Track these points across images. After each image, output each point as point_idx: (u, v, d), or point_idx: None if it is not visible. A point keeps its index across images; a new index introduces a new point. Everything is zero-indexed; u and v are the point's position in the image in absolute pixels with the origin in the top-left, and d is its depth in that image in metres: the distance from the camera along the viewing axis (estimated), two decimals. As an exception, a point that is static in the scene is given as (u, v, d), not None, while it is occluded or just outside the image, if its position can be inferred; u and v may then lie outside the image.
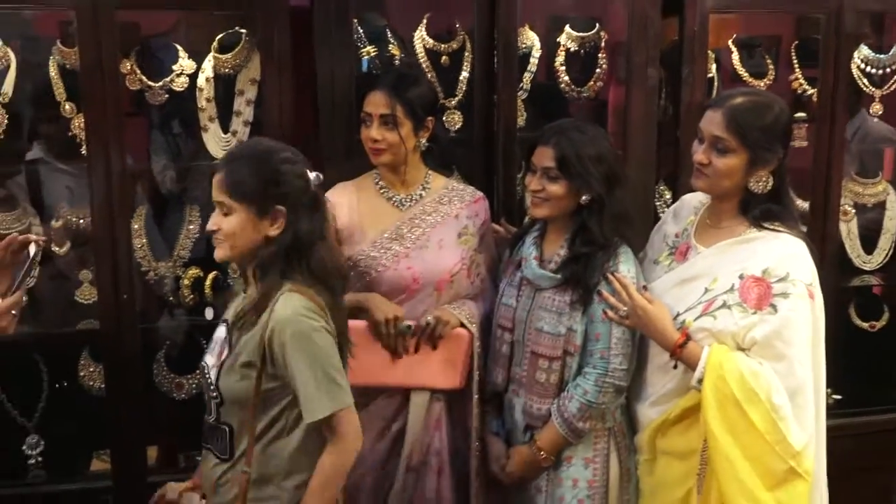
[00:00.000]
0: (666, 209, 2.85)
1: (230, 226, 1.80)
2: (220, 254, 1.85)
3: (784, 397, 1.93)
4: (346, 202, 2.29)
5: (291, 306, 1.76)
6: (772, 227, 2.03)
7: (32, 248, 1.82)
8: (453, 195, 2.35)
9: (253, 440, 1.79)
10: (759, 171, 2.02)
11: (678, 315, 2.05)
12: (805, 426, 1.97)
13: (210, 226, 1.83)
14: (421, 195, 2.32)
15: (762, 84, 2.93)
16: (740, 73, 2.94)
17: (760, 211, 2.03)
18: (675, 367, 2.06)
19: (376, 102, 2.21)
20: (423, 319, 2.23)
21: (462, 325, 2.26)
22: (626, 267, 2.12)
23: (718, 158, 2.01)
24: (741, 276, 1.99)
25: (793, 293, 1.95)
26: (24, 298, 1.80)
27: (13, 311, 1.75)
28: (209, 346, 1.94)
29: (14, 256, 1.82)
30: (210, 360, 1.89)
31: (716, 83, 2.90)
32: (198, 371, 2.01)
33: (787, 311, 1.94)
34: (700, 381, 1.97)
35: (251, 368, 1.78)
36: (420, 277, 2.26)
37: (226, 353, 1.85)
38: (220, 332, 1.91)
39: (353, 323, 2.08)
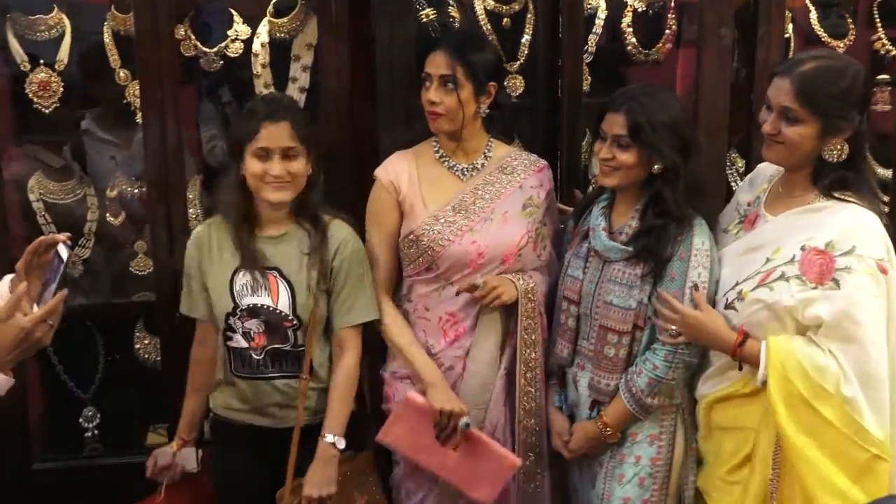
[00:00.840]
0: (738, 178, 2.79)
1: (300, 168, 2.09)
2: (283, 196, 2.09)
3: (855, 387, 1.86)
4: (405, 172, 2.24)
5: (346, 229, 2.19)
6: (842, 196, 1.95)
7: (63, 251, 1.69)
8: (516, 164, 2.29)
9: (312, 355, 2.16)
10: (833, 139, 1.94)
11: (737, 284, 2.00)
12: (882, 411, 1.89)
13: (278, 171, 2.06)
14: (483, 164, 2.27)
15: (841, 45, 2.83)
16: (818, 32, 2.85)
17: (831, 180, 1.95)
18: (740, 368, 1.99)
19: (437, 63, 2.15)
20: (474, 281, 2.18)
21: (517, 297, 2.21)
22: (700, 240, 2.06)
23: (788, 128, 1.93)
24: (803, 248, 1.91)
25: (858, 268, 1.86)
26: (61, 307, 1.60)
27: (49, 321, 1.58)
28: (240, 291, 2.12)
29: (42, 259, 1.70)
30: (260, 299, 2.11)
31: (792, 44, 2.79)
32: (243, 314, 2.13)
33: (853, 288, 1.85)
34: (764, 382, 1.92)
35: (323, 293, 2.14)
36: (485, 252, 2.20)
37: (286, 290, 2.12)
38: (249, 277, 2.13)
39: (413, 396, 2.19)
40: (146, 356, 2.63)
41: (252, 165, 2.08)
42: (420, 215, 2.21)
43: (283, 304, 2.13)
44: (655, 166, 2.07)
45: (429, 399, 2.17)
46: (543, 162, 2.34)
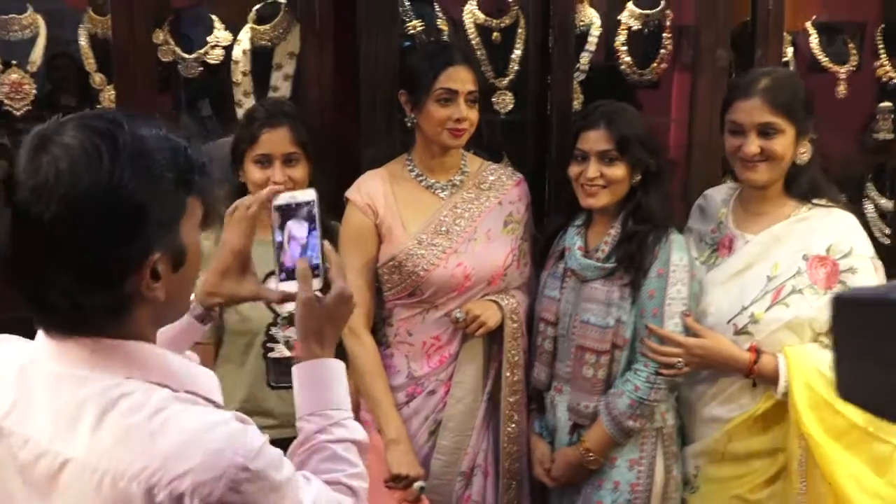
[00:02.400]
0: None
1: (302, 174, 2.10)
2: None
3: None
4: (380, 193, 2.18)
5: None
6: (822, 203, 2.04)
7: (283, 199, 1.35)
8: (493, 179, 2.27)
9: None
10: (803, 141, 2.03)
11: (744, 308, 2.00)
12: None
13: (279, 177, 2.05)
14: (461, 180, 2.23)
15: (843, 71, 2.82)
16: (819, 57, 2.84)
17: (808, 186, 2.04)
18: (755, 385, 2.01)
19: (462, 78, 2.11)
20: (453, 315, 2.14)
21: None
22: (678, 255, 2.06)
23: (770, 143, 1.98)
24: (805, 258, 1.98)
25: (860, 268, 1.96)
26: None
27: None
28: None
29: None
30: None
31: (791, 68, 2.76)
32: (284, 322, 2.13)
33: (860, 285, 1.91)
34: (784, 393, 1.95)
35: None
36: (472, 274, 2.16)
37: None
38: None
39: (376, 443, 2.09)
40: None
41: (252, 172, 2.07)
42: (400, 239, 2.15)
43: None
44: (636, 179, 2.10)
45: (387, 459, 2.09)
46: (519, 175, 2.32)
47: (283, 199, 1.32)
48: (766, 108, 1.98)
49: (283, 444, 2.05)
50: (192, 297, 1.34)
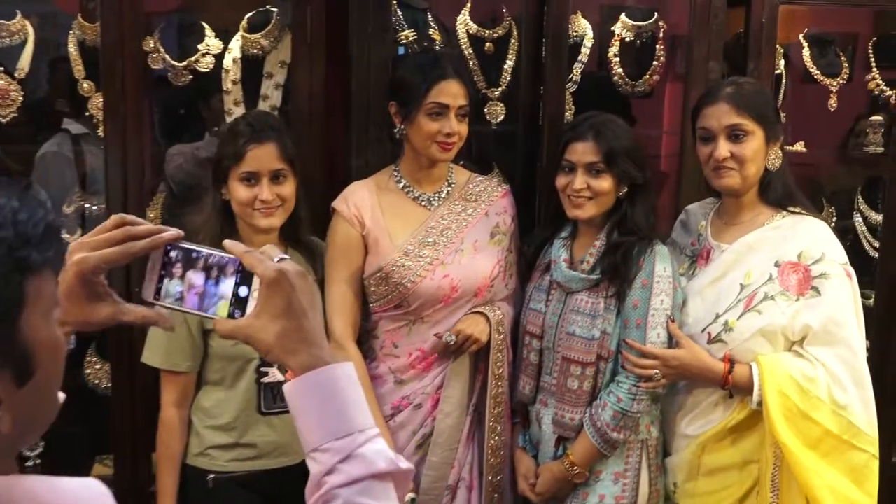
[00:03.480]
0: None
1: (290, 191, 2.06)
2: (274, 221, 2.05)
3: (847, 390, 1.95)
4: (367, 204, 2.20)
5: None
6: (796, 210, 2.07)
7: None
8: (479, 190, 2.29)
9: None
10: (773, 147, 2.06)
11: (718, 317, 2.04)
12: (871, 409, 1.98)
13: (267, 195, 2.01)
14: (448, 192, 2.26)
15: (834, 84, 2.85)
16: (811, 70, 2.86)
17: (781, 193, 2.07)
18: (731, 396, 2.03)
19: (454, 93, 2.12)
20: (445, 337, 2.15)
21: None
22: (661, 266, 2.09)
23: (740, 146, 2.03)
24: (777, 264, 2.01)
25: (832, 273, 1.98)
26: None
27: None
28: None
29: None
30: None
31: (784, 80, 2.81)
32: None
33: (833, 291, 1.96)
34: (759, 403, 1.96)
35: None
36: (458, 286, 2.18)
37: None
38: None
39: None
40: (96, 382, 2.58)
41: (238, 191, 2.02)
42: (387, 250, 2.17)
43: None
44: (622, 191, 2.12)
45: None
46: (505, 186, 2.35)
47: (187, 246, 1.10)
48: (733, 111, 2.03)
49: (266, 475, 2.09)
50: None
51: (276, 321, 1.00)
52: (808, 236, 2.03)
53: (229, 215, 2.08)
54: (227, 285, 1.07)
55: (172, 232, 1.08)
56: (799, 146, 2.81)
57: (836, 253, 2.03)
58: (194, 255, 1.09)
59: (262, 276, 1.00)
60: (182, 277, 1.09)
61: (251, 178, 2.02)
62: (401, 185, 2.24)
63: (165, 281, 1.09)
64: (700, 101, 2.15)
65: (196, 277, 1.08)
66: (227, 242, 1.06)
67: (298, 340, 1.00)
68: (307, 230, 2.20)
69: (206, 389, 2.15)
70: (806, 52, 2.87)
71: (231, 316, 1.06)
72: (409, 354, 2.20)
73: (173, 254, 1.09)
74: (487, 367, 2.21)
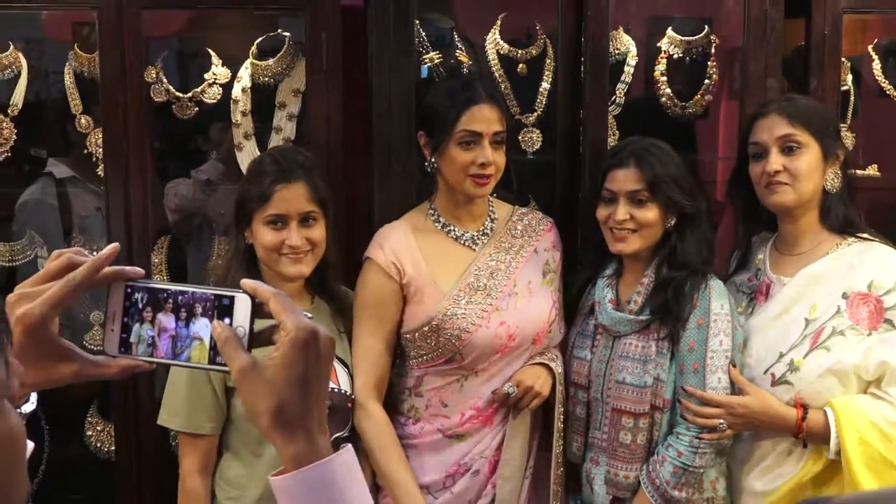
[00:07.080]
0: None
1: (320, 235, 1.98)
2: (303, 269, 1.97)
3: None
4: (405, 249, 2.08)
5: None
6: (862, 236, 2.02)
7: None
8: (524, 224, 2.20)
9: None
10: (831, 166, 2.02)
11: (782, 356, 1.98)
12: None
13: (296, 241, 1.93)
14: (492, 228, 2.16)
15: (909, 99, 2.72)
16: (883, 85, 2.74)
17: (844, 219, 2.03)
18: (805, 446, 1.96)
19: (487, 118, 2.02)
20: (502, 389, 2.04)
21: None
22: (718, 303, 2.02)
23: (794, 159, 1.99)
24: (845, 296, 1.95)
25: None
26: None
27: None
28: None
29: None
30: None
31: (852, 97, 2.69)
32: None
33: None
34: (837, 452, 1.90)
35: None
36: (516, 333, 2.07)
37: (342, 368, 2.06)
38: None
39: None
40: (98, 444, 2.51)
41: (264, 235, 1.94)
42: (434, 299, 2.05)
43: (344, 382, 2.04)
44: (670, 222, 2.07)
45: None
46: (550, 220, 2.27)
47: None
48: (784, 121, 2.00)
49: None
50: None
51: (287, 388, 0.89)
52: (879, 265, 1.97)
53: (252, 261, 2.00)
54: (201, 325, 0.95)
55: (129, 269, 0.97)
56: (871, 170, 2.72)
57: None
58: (161, 294, 0.97)
59: (290, 332, 0.89)
60: (152, 321, 0.98)
61: (278, 222, 1.95)
62: (439, 225, 2.14)
63: (136, 327, 0.98)
64: (750, 116, 2.12)
65: (166, 320, 0.98)
66: (248, 282, 0.95)
67: (300, 418, 0.90)
68: (337, 278, 2.11)
69: (227, 457, 2.05)
70: (876, 65, 2.76)
71: (212, 361, 0.95)
72: (462, 414, 2.09)
73: (137, 296, 0.97)
74: (540, 424, 2.13)
